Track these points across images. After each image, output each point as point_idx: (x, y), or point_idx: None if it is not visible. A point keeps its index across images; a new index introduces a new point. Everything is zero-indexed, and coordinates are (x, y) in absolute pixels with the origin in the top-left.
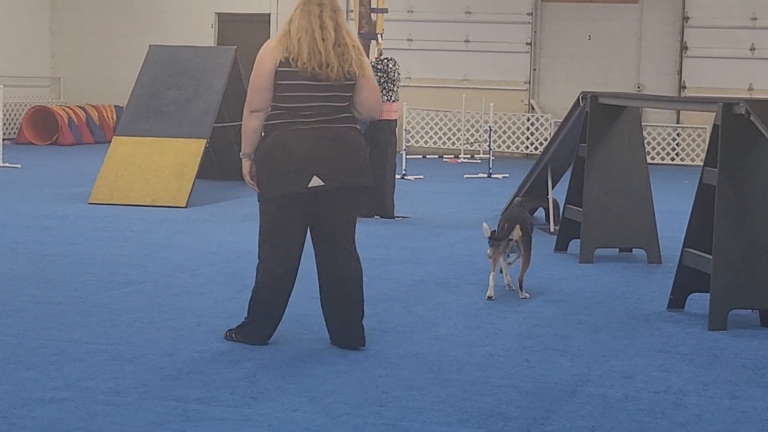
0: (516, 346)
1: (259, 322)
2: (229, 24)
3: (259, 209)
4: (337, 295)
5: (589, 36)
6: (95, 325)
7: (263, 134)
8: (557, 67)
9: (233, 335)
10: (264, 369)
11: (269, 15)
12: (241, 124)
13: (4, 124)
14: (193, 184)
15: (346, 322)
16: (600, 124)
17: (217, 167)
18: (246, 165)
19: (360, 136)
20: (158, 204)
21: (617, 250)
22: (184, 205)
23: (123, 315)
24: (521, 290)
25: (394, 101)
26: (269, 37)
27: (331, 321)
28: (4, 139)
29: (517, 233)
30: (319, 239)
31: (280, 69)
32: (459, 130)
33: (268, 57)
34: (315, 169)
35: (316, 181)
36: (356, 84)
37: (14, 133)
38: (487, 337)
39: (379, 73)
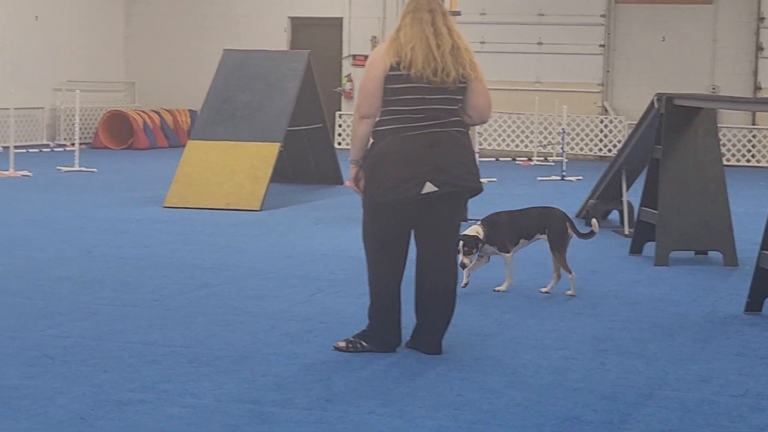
0: (591, 350)
1: (381, 329)
2: (301, 28)
3: (364, 214)
4: (432, 299)
5: (663, 37)
6: (171, 327)
7: (372, 140)
8: (631, 68)
9: (356, 345)
10: (339, 371)
11: (341, 19)
12: (313, 128)
13: (81, 128)
14: (267, 187)
15: (432, 326)
16: (675, 126)
17: (291, 170)
18: (353, 170)
19: (469, 140)
20: (232, 207)
21: (693, 252)
22: (258, 209)
23: (198, 318)
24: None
25: None
26: (341, 41)
27: (420, 323)
28: (80, 144)
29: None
30: (423, 242)
31: (390, 73)
32: (532, 132)
33: (379, 62)
34: (428, 175)
35: (429, 188)
36: (468, 87)
37: (90, 137)
38: (561, 340)
39: None
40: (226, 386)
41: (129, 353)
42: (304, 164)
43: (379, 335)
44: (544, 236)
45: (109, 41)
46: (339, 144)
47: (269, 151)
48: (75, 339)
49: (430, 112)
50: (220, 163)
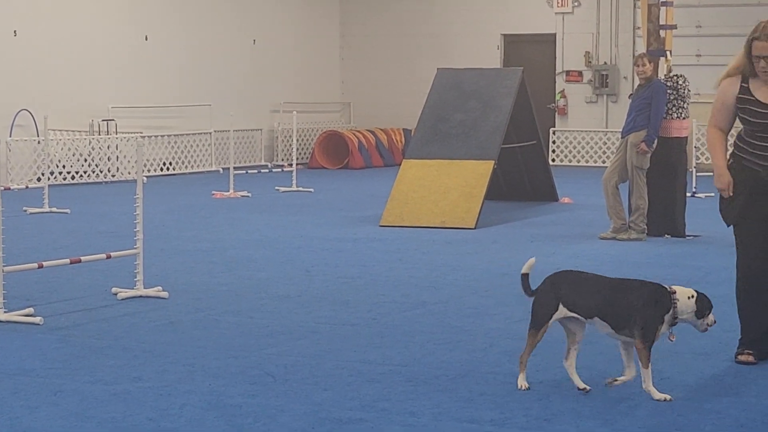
0: None
1: None
2: (514, 45)
3: None
4: None
5: None
6: (389, 346)
7: None
8: None
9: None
10: (557, 391)
11: (554, 35)
12: (528, 145)
13: (297, 149)
14: (482, 205)
15: None
16: None
17: (505, 188)
18: None
19: None
20: (447, 225)
21: None
22: (472, 226)
23: (416, 336)
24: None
25: (684, 118)
26: (555, 57)
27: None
28: (297, 164)
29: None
30: None
31: None
32: None
33: None
34: None
35: None
36: None
37: (307, 157)
38: None
39: (669, 90)
40: (444, 405)
41: (348, 372)
42: (518, 181)
43: None
44: None
45: (324, 63)
46: (553, 161)
47: (484, 169)
48: (295, 357)
49: None
50: (435, 181)
